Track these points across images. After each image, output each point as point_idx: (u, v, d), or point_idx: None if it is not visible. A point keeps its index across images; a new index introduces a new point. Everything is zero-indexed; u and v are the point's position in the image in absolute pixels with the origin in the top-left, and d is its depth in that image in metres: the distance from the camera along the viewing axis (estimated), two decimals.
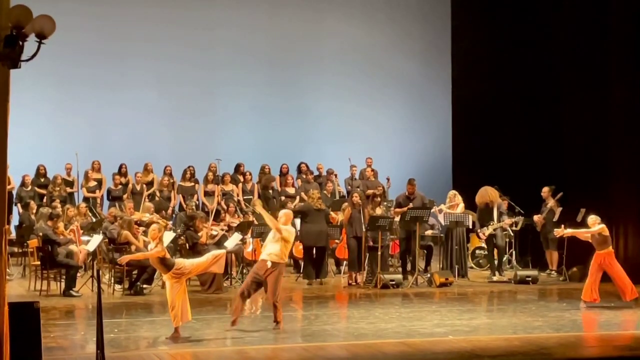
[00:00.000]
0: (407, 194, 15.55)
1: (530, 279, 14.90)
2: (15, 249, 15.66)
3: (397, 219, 15.09)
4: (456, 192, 16.30)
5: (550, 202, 15.68)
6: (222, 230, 15.37)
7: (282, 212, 11.19)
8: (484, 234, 15.52)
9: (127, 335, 10.43)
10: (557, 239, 15.54)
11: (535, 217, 15.91)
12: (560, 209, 15.55)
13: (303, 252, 15.05)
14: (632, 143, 15.07)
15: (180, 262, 10.49)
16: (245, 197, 18.21)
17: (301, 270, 15.26)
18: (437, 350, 9.65)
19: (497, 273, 15.42)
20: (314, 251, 14.85)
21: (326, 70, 21.10)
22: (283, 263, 10.69)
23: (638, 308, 12.34)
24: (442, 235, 15.70)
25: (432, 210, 15.62)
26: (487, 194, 15.57)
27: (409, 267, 15.19)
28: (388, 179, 18.86)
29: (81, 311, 12.43)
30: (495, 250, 15.76)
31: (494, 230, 15.45)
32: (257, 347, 9.74)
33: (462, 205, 15.95)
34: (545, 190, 15.86)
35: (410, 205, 15.11)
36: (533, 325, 11.09)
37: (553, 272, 15.68)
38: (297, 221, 15.25)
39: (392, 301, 13.05)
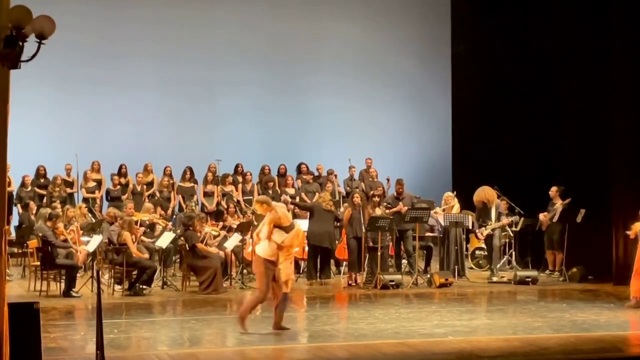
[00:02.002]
0: (395, 194, 15.64)
1: (530, 279, 14.89)
2: (15, 250, 15.66)
3: None
4: (452, 194, 16.27)
5: (558, 203, 15.60)
6: (224, 229, 15.36)
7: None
8: (482, 234, 15.51)
9: (127, 336, 10.43)
10: (560, 240, 15.51)
11: (541, 216, 15.85)
12: (559, 210, 15.53)
13: (307, 251, 15.04)
14: (632, 143, 15.05)
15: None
16: (245, 198, 18.20)
17: (301, 270, 15.27)
18: (437, 351, 9.64)
19: (493, 272, 15.41)
20: (319, 251, 14.84)
21: (326, 70, 21.10)
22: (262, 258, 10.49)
23: (637, 309, 12.34)
24: (440, 235, 15.71)
25: (430, 212, 15.63)
26: (485, 193, 15.55)
27: (407, 268, 15.23)
28: (388, 180, 18.84)
29: (81, 312, 12.42)
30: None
31: (492, 230, 15.44)
32: (257, 348, 9.74)
33: (457, 206, 15.96)
34: (553, 190, 15.80)
35: (400, 204, 15.18)
36: (533, 326, 11.09)
37: (555, 272, 15.67)
38: (305, 222, 15.26)
39: (391, 302, 13.05)
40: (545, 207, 15.85)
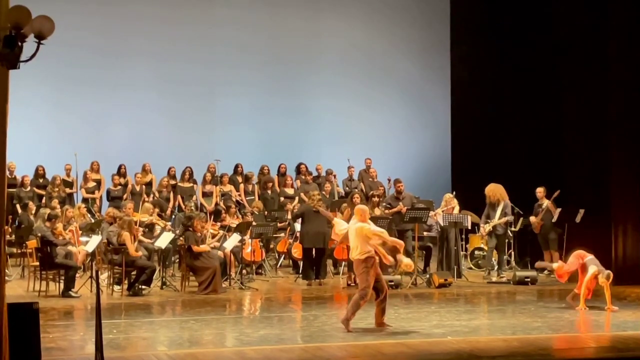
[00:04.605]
0: (395, 194, 15.64)
1: (529, 279, 14.89)
2: (14, 250, 15.65)
3: None
4: (451, 195, 16.26)
5: (545, 203, 15.64)
6: (223, 229, 15.36)
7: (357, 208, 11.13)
8: (484, 229, 15.50)
9: (126, 336, 10.43)
10: (557, 239, 15.55)
11: (532, 219, 15.88)
12: (559, 209, 15.54)
13: (302, 254, 15.05)
14: (632, 143, 15.07)
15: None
16: (248, 198, 18.21)
17: (300, 272, 15.27)
18: (436, 351, 9.64)
19: (496, 273, 15.40)
20: (313, 252, 14.86)
21: (326, 70, 21.11)
22: (359, 259, 10.68)
23: (637, 309, 12.35)
24: (439, 236, 15.70)
25: (429, 214, 15.61)
26: (490, 188, 15.54)
27: None
28: (389, 180, 18.83)
29: (80, 312, 12.42)
30: (494, 251, 15.77)
31: (492, 227, 15.42)
32: (256, 348, 9.73)
33: (457, 208, 15.97)
34: (540, 191, 15.84)
35: (400, 205, 15.19)
36: (532, 326, 11.08)
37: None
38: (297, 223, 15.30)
39: (391, 302, 12.94)
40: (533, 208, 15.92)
